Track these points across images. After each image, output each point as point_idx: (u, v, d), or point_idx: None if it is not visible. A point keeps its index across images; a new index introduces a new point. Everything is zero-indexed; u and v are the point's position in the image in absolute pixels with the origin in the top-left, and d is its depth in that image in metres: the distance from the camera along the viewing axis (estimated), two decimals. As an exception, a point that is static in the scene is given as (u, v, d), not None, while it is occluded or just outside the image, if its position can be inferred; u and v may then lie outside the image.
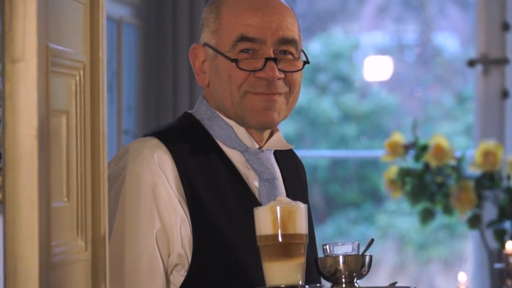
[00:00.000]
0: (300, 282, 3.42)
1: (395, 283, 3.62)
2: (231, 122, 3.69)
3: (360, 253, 3.43)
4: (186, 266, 3.61)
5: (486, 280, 6.22)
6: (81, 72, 3.34)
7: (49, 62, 3.02)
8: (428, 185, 5.84)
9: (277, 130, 3.79)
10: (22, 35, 2.90)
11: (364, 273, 3.46)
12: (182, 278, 3.60)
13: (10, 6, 2.86)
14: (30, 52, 2.92)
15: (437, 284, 8.37)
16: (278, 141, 3.79)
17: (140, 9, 6.91)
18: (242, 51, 3.64)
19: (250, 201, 3.58)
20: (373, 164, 7.47)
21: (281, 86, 3.64)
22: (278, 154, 3.79)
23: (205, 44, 3.72)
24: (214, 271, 3.62)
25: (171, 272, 3.63)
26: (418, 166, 5.85)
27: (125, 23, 6.60)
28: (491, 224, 5.91)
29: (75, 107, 3.31)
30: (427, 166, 5.84)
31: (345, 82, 8.38)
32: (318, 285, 3.53)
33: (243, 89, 3.64)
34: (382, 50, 8.47)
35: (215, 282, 3.59)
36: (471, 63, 7.13)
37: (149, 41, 6.94)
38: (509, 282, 5.23)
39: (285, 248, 3.42)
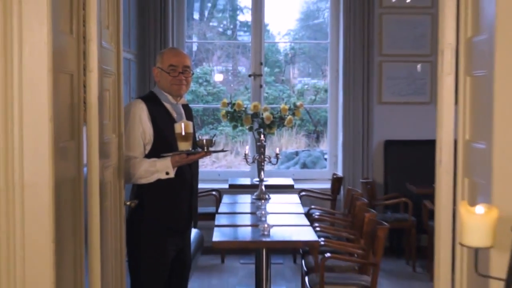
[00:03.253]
0: (190, 149, 3.44)
1: (223, 149, 3.62)
2: (166, 93, 3.64)
3: (212, 138, 3.48)
4: (151, 144, 3.56)
5: (254, 147, 6.09)
6: (114, 76, 3.24)
7: (102, 72, 2.91)
8: (236, 117, 5.73)
9: (183, 96, 3.77)
10: (93, 62, 2.78)
11: (213, 145, 3.49)
12: (149, 148, 3.55)
13: (88, 53, 2.74)
14: (95, 67, 2.80)
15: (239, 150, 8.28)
16: (183, 100, 3.77)
17: (136, 56, 6.67)
18: (171, 70, 3.59)
19: (173, 121, 3.56)
20: (217, 109, 7.32)
21: (184, 82, 3.61)
22: (183, 106, 3.72)
23: (157, 67, 3.65)
24: (160, 146, 3.58)
25: (145, 146, 3.56)
26: (232, 110, 5.72)
27: (131, 61, 6.38)
28: (256, 129, 5.78)
29: (112, 88, 3.21)
30: (235, 110, 5.70)
31: (209, 82, 8.23)
32: (198, 149, 3.54)
33: (170, 83, 3.61)
34: (221, 72, 8.33)
35: (160, 149, 3.52)
36: (250, 75, 6.99)
37: (140, 68, 6.71)
38: (262, 149, 5.13)
39: (185, 137, 3.46)
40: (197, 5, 8.38)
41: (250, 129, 5.81)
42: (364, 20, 6.83)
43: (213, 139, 3.60)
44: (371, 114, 6.87)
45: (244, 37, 8.66)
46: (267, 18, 7.34)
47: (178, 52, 3.82)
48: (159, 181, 3.48)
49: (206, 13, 8.48)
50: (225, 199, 5.55)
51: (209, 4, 8.65)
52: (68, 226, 2.48)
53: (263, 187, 5.20)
